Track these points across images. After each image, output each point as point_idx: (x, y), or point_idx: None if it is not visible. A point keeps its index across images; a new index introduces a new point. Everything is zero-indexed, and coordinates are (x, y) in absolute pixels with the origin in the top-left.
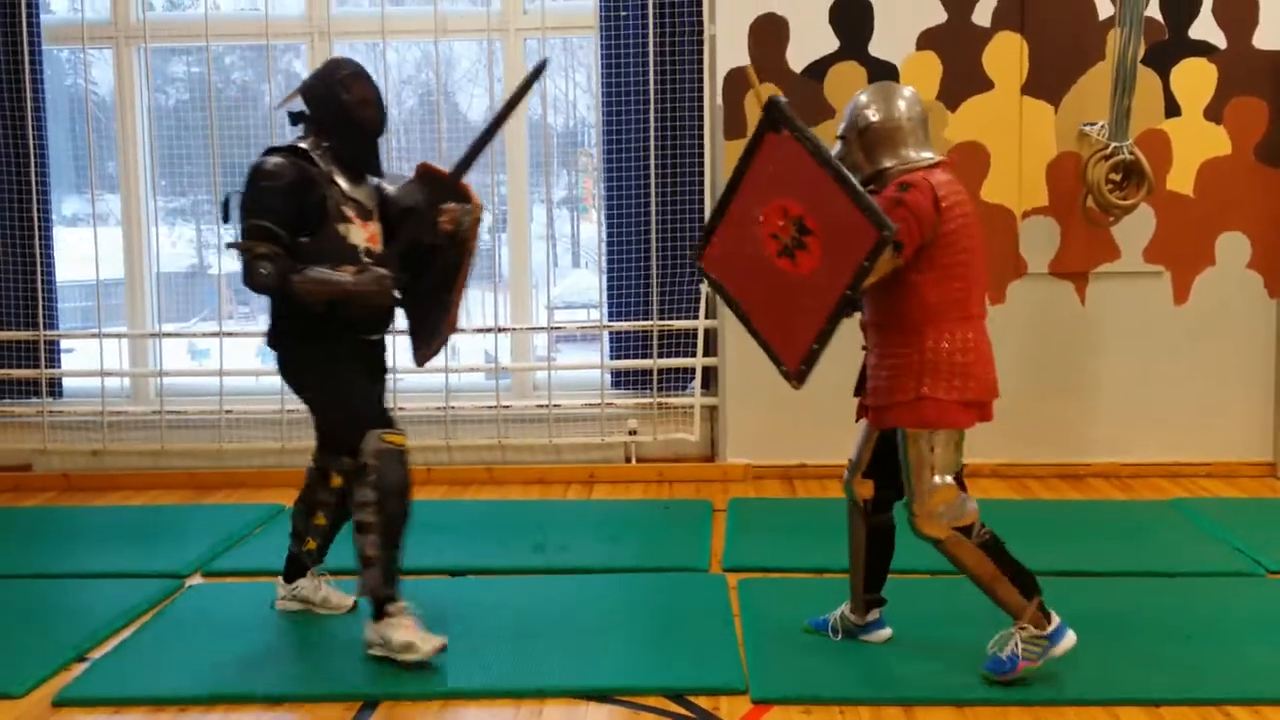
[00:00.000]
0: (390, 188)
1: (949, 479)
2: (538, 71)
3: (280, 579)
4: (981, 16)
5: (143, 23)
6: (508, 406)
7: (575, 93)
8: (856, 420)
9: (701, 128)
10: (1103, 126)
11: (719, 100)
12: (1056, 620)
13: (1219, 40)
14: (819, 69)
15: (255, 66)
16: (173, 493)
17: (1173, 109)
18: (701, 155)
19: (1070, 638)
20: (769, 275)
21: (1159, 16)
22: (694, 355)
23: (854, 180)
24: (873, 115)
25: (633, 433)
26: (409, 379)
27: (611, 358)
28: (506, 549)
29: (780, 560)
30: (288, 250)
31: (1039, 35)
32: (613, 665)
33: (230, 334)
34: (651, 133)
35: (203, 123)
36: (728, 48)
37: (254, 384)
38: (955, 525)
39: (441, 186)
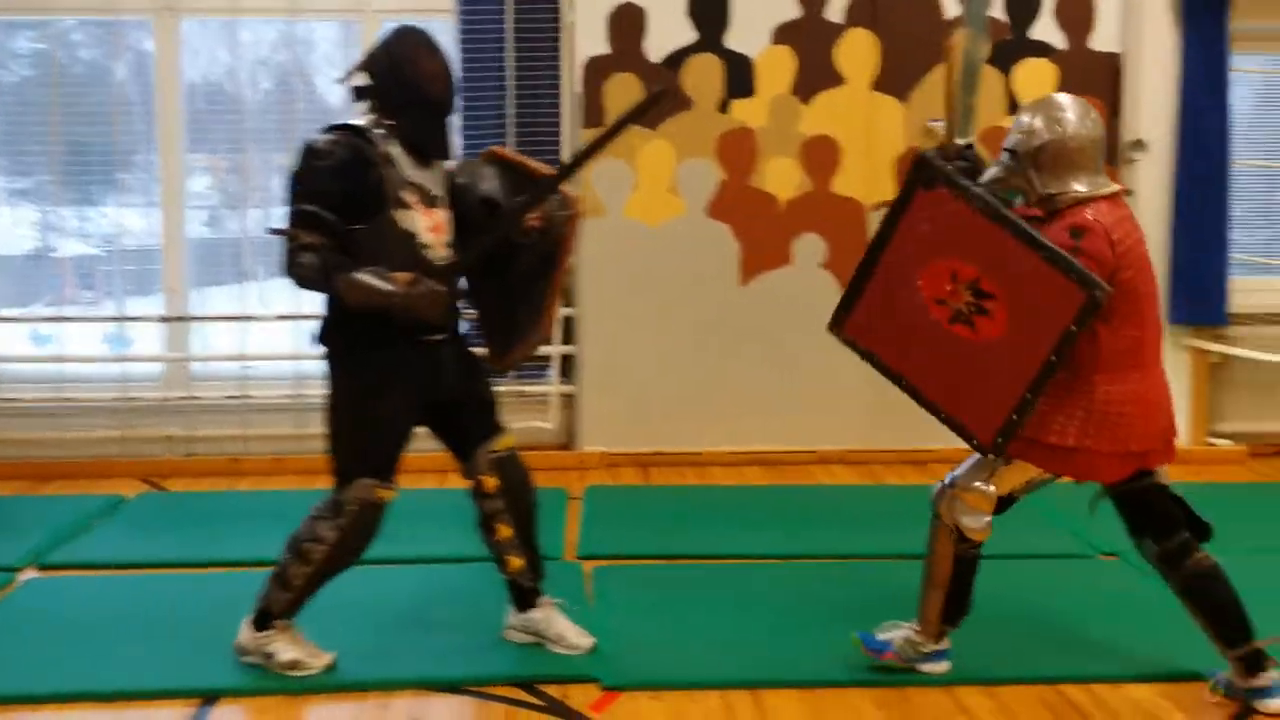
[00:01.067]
0: (461, 174)
1: (992, 489)
2: (656, 97)
3: (510, 607)
4: (834, 13)
5: None
6: None
7: None
8: None
9: (559, 116)
10: (947, 123)
11: (578, 88)
12: (945, 645)
13: (1059, 41)
14: (677, 60)
15: (103, 44)
16: (7, 483)
17: (1014, 107)
18: (559, 143)
19: (943, 666)
20: (940, 343)
21: (1004, 17)
22: (551, 343)
23: (1042, 237)
24: (1047, 133)
25: None
26: (262, 366)
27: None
28: None
29: (634, 547)
30: (338, 240)
31: (889, 33)
32: (463, 656)
33: (72, 319)
34: (509, 119)
35: (48, 100)
36: (586, 36)
37: (95, 370)
38: (960, 525)
39: (534, 184)
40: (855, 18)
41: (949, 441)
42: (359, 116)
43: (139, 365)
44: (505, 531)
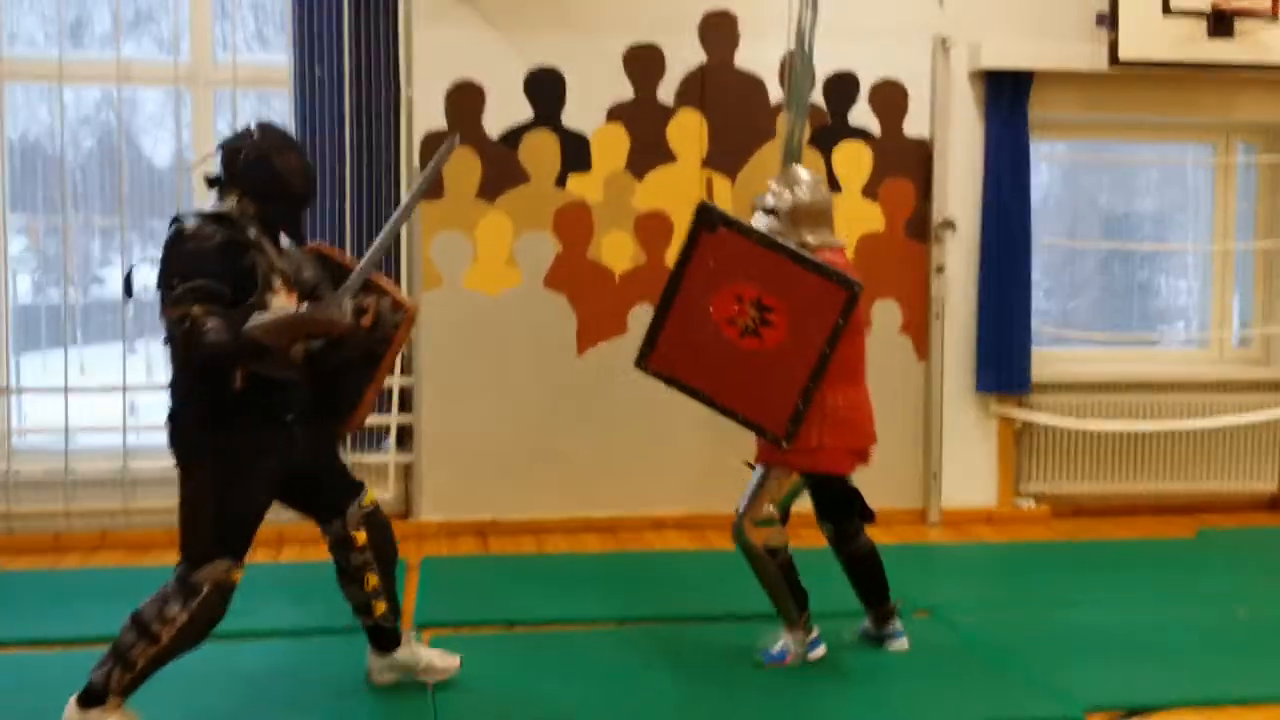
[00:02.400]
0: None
1: (771, 507)
2: (450, 150)
3: (370, 651)
4: (666, 94)
5: None
6: None
7: None
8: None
9: (399, 188)
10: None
11: (416, 162)
12: (816, 632)
13: (874, 127)
14: (514, 136)
15: None
16: None
17: (834, 186)
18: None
19: (822, 649)
20: (733, 358)
21: (823, 103)
22: (389, 413)
23: (805, 252)
24: (804, 195)
25: None
26: (83, 438)
27: None
28: None
29: (470, 614)
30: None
31: (717, 113)
32: None
33: None
34: (348, 191)
35: None
36: (424, 111)
37: None
38: (767, 544)
39: (344, 276)
40: (685, 98)
41: None
42: (215, 204)
43: None
44: (373, 581)
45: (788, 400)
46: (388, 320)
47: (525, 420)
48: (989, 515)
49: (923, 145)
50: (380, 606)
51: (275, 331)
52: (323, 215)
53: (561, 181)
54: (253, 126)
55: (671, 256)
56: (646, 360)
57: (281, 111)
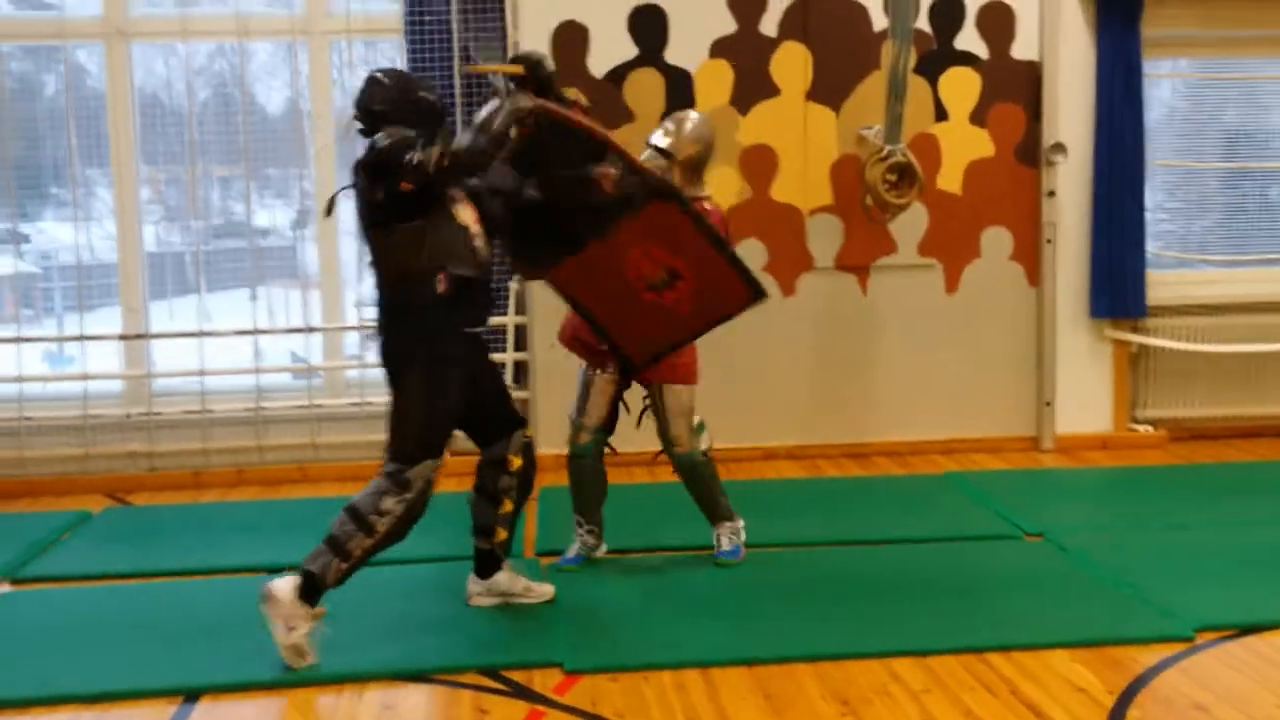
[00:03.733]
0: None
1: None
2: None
3: (472, 576)
4: (769, 27)
5: None
6: (319, 405)
7: None
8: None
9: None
10: (879, 130)
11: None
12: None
13: (981, 51)
14: (619, 75)
15: (33, 55)
16: None
17: (941, 114)
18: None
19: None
20: (627, 297)
21: (928, 29)
22: (504, 351)
23: (737, 255)
24: (701, 151)
25: None
26: (214, 381)
27: None
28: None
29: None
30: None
31: (821, 45)
32: (433, 647)
33: (27, 339)
34: (459, 132)
35: None
36: None
37: (46, 390)
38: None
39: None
40: (788, 31)
41: (884, 435)
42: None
43: (96, 383)
44: (508, 506)
45: (655, 347)
46: (634, 184)
47: None
48: (1104, 441)
49: (1032, 68)
50: (502, 534)
51: (483, 128)
52: None
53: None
54: (378, 74)
55: (776, 190)
56: (546, 273)
57: (392, 58)
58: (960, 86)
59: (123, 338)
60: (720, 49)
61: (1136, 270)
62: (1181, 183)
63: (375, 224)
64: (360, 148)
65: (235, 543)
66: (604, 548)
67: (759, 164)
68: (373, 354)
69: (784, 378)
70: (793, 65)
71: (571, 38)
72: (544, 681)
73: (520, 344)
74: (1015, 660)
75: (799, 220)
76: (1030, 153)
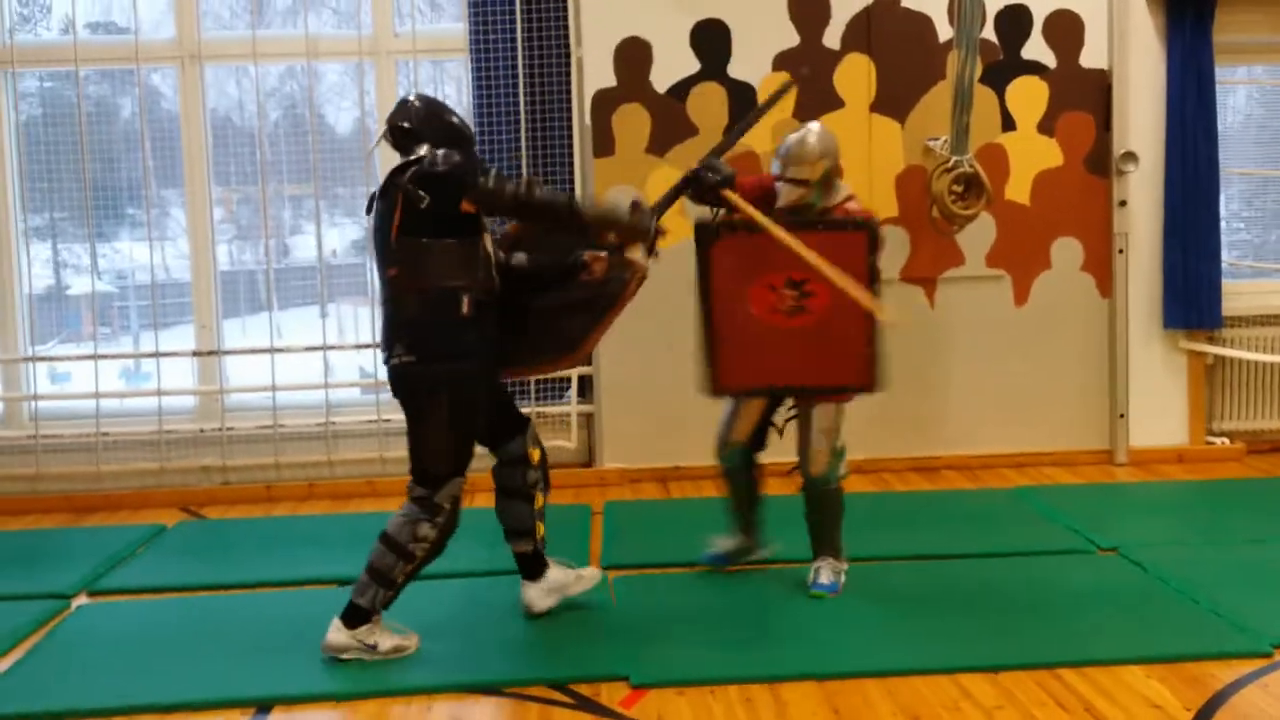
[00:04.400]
0: None
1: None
2: (792, 82)
3: (524, 583)
4: (832, 39)
5: (9, 48)
6: (388, 420)
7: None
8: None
9: (571, 146)
10: (945, 141)
11: (588, 120)
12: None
13: (1049, 60)
14: (682, 89)
15: (109, 79)
16: (51, 516)
17: (1009, 124)
18: (572, 172)
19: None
20: (789, 340)
21: (994, 38)
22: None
23: (802, 217)
24: (829, 162)
25: None
26: (285, 396)
27: None
28: None
29: (653, 557)
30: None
31: (885, 57)
32: (500, 660)
33: (104, 356)
34: (524, 151)
35: (60, 139)
36: (594, 70)
37: (122, 406)
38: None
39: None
40: (851, 43)
41: (951, 449)
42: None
43: (170, 398)
44: (540, 500)
45: (858, 352)
46: (617, 275)
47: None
48: (1179, 454)
49: (1101, 76)
50: (541, 528)
51: (596, 214)
52: (501, 170)
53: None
54: (410, 97)
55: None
56: (715, 386)
57: (458, 77)
58: (1028, 96)
59: (196, 354)
60: (783, 62)
61: (1211, 280)
62: (1259, 191)
63: (411, 233)
64: (388, 158)
65: (306, 555)
66: (765, 551)
67: None
68: None
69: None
70: (856, 77)
71: (634, 53)
72: (610, 695)
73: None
74: (1089, 676)
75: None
76: (1100, 162)
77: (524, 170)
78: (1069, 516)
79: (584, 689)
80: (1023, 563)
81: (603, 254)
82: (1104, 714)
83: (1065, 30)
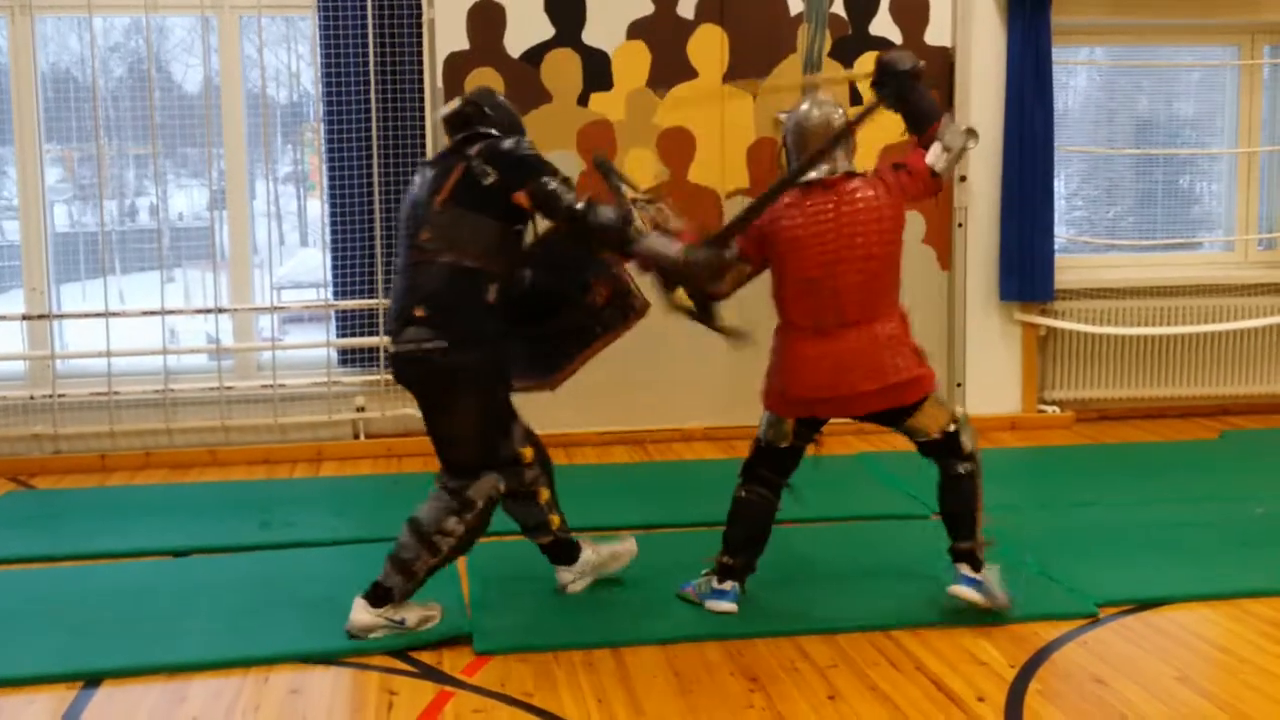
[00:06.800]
0: None
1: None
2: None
3: (558, 568)
4: (685, 9)
5: None
6: (230, 388)
7: (299, 65)
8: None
9: (423, 108)
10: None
11: (439, 83)
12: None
13: (895, 36)
14: (535, 55)
15: None
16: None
17: (856, 99)
18: (423, 136)
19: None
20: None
21: (843, 13)
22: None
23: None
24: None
25: (360, 409)
26: (122, 362)
27: (339, 336)
28: (230, 527)
29: (501, 524)
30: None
31: (737, 28)
32: (340, 631)
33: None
34: (373, 112)
35: None
36: (446, 32)
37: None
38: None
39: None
40: (705, 14)
41: None
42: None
43: None
44: (545, 494)
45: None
46: (617, 306)
47: None
48: (1012, 422)
49: (944, 54)
50: (556, 519)
51: (649, 250)
52: (349, 133)
53: (584, 100)
54: (489, 88)
55: (694, 173)
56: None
57: (311, 37)
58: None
59: (25, 318)
60: (637, 30)
61: (1045, 254)
62: (1094, 170)
63: (459, 204)
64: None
65: (141, 526)
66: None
67: (676, 146)
68: (289, 336)
69: (702, 360)
70: (710, 47)
71: (488, 16)
72: (453, 662)
73: None
74: (921, 636)
75: (716, 202)
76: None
77: (373, 133)
78: (907, 483)
79: (426, 656)
80: (862, 528)
81: (607, 282)
82: (934, 671)
83: (911, 8)
